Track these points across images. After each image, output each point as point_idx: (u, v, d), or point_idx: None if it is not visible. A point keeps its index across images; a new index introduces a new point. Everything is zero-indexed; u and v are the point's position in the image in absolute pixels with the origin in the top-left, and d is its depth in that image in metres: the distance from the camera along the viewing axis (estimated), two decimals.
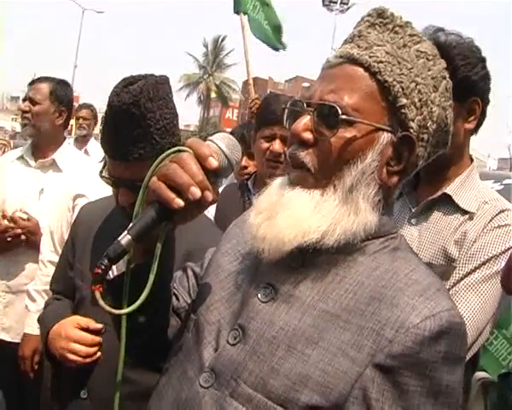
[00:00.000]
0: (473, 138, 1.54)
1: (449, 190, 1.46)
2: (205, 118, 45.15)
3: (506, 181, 2.93)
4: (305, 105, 0.89)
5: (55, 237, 2.17)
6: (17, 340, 2.31)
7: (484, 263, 1.35)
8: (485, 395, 1.69)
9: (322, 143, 0.86)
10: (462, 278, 1.35)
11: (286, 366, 0.80)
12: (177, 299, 1.04)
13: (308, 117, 0.87)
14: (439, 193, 1.47)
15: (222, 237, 1.08)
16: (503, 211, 1.40)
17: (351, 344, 0.79)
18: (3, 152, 5.11)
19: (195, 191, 0.80)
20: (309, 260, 0.87)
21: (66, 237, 1.87)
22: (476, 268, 1.35)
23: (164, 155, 0.87)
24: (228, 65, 46.37)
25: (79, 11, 34.49)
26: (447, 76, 0.92)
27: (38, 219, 2.37)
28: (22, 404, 2.41)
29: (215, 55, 46.25)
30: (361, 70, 0.87)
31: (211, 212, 2.12)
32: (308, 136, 0.87)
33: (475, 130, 1.50)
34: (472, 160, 1.55)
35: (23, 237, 2.34)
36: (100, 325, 1.47)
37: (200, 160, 0.82)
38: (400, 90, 0.86)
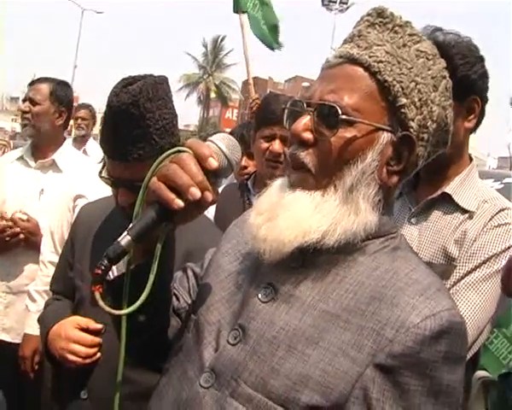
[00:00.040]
0: (472, 137, 1.54)
1: (448, 189, 1.46)
2: (204, 118, 45.17)
3: (506, 180, 2.93)
4: (304, 105, 0.89)
5: (55, 237, 2.16)
6: (17, 341, 2.30)
7: (484, 262, 1.35)
8: (486, 394, 1.69)
9: (322, 143, 0.86)
10: (462, 277, 1.35)
11: (286, 366, 0.80)
12: (178, 299, 1.04)
13: (308, 117, 0.87)
14: (439, 192, 1.47)
15: (222, 238, 1.08)
16: (502, 210, 1.40)
17: (351, 344, 0.79)
18: (3, 153, 5.10)
19: (195, 192, 0.80)
20: (309, 260, 0.87)
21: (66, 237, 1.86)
22: (476, 267, 1.35)
23: (164, 155, 0.87)
24: (227, 65, 46.45)
25: (79, 11, 34.55)
26: (447, 75, 0.92)
27: (38, 220, 2.37)
28: (22, 404, 2.41)
29: (215, 55, 46.27)
30: (361, 70, 0.87)
31: (211, 212, 2.11)
32: (308, 136, 0.87)
33: (475, 129, 1.50)
34: (471, 159, 1.55)
35: (22, 236, 2.34)
36: (100, 326, 1.47)
37: (200, 160, 0.82)
38: (400, 89, 0.86)
